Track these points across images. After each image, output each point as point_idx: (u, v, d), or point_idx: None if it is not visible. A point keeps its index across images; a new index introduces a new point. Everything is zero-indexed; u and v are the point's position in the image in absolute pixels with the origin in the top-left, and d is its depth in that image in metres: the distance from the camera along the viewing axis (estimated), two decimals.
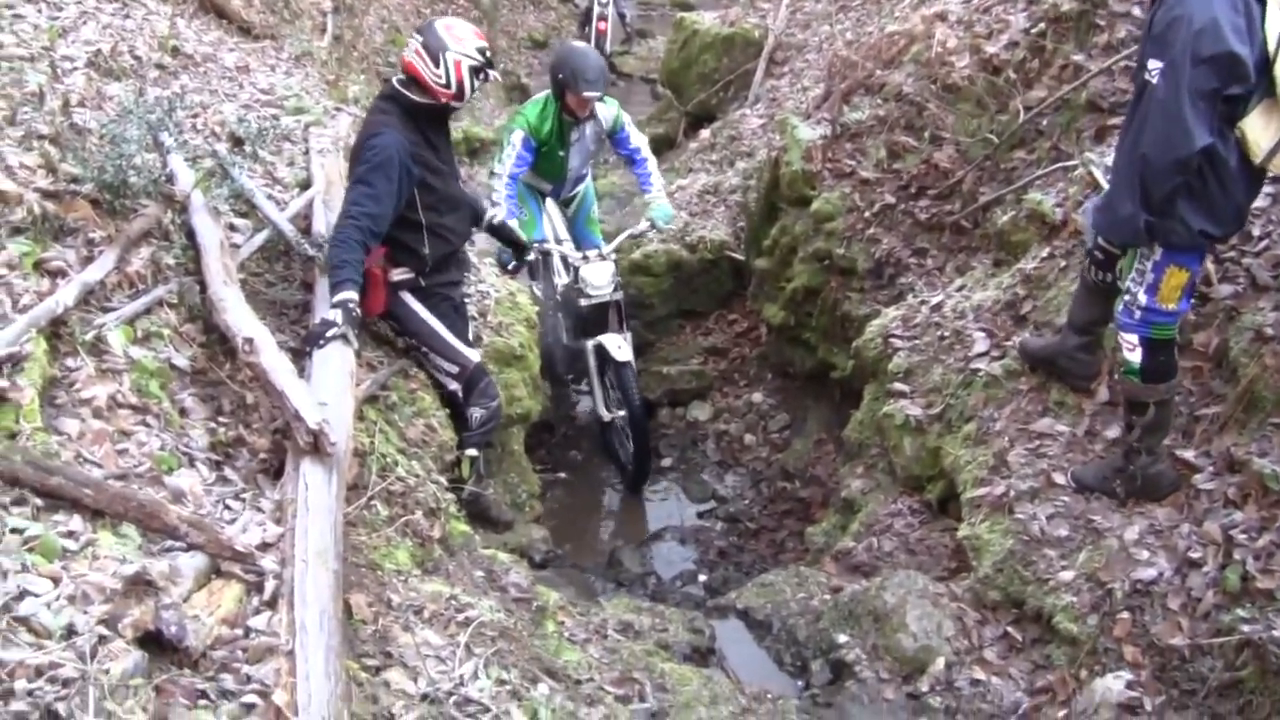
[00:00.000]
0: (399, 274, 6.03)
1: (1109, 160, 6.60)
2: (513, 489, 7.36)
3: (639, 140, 8.71)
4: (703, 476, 9.21)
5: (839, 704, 5.35)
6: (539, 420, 8.25)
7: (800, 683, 5.65)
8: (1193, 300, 5.41)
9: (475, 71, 5.79)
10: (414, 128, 5.79)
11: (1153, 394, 5.36)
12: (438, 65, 5.67)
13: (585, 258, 8.40)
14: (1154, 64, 4.73)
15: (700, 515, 8.77)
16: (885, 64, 9.19)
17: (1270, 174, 4.94)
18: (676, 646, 5.66)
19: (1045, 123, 7.89)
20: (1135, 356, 5.29)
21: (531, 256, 8.08)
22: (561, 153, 8.52)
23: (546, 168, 8.64)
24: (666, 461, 9.35)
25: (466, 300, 6.79)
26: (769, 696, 5.24)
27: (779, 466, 8.99)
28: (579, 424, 9.51)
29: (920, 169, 8.50)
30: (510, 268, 8.12)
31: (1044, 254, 6.83)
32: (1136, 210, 4.87)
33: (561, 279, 8.74)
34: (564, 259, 8.71)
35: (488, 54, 5.90)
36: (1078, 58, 7.82)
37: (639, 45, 21.48)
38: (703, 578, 7.78)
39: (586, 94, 7.94)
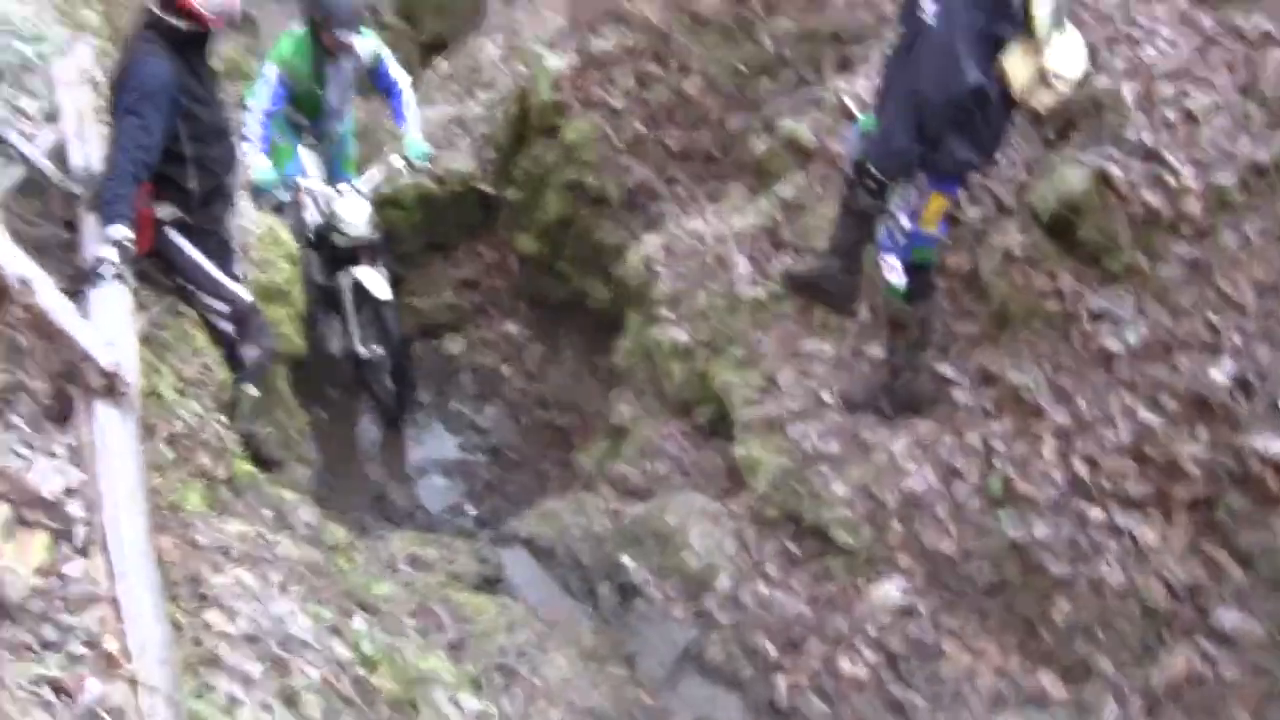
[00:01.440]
0: (165, 210, 5.84)
1: (858, 89, 6.86)
2: (281, 428, 7.25)
3: (398, 73, 8.45)
4: (461, 409, 9.19)
5: (630, 624, 5.52)
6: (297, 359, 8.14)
7: (590, 606, 5.78)
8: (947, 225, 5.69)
9: None
10: (178, 56, 5.62)
11: (916, 313, 5.64)
12: None
13: (339, 193, 8.12)
14: (930, 6, 4.96)
15: (462, 448, 8.78)
16: None
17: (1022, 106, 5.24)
18: (466, 576, 5.75)
19: (790, 53, 8.09)
20: (897, 278, 5.53)
21: (285, 195, 8.06)
22: (318, 89, 8.21)
23: (304, 104, 8.33)
24: (424, 397, 9.30)
25: (232, 236, 6.63)
26: (563, 621, 5.37)
27: (537, 396, 9.06)
28: (334, 361, 9.39)
29: (669, 99, 8.61)
30: (264, 204, 7.94)
31: (800, 180, 7.03)
32: (911, 144, 5.10)
33: (314, 217, 8.47)
34: (315, 196, 8.34)
35: None
36: None
37: None
38: (471, 510, 7.87)
39: (340, 34, 7.70)
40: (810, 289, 6.39)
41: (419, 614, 4.89)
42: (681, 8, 8.74)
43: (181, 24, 5.57)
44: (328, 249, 8.36)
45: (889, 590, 5.22)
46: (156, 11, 5.62)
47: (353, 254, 8.22)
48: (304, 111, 8.41)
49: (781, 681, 5.17)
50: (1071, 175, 5.52)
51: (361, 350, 8.56)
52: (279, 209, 8.24)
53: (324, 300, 8.79)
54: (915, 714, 4.93)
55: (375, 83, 8.55)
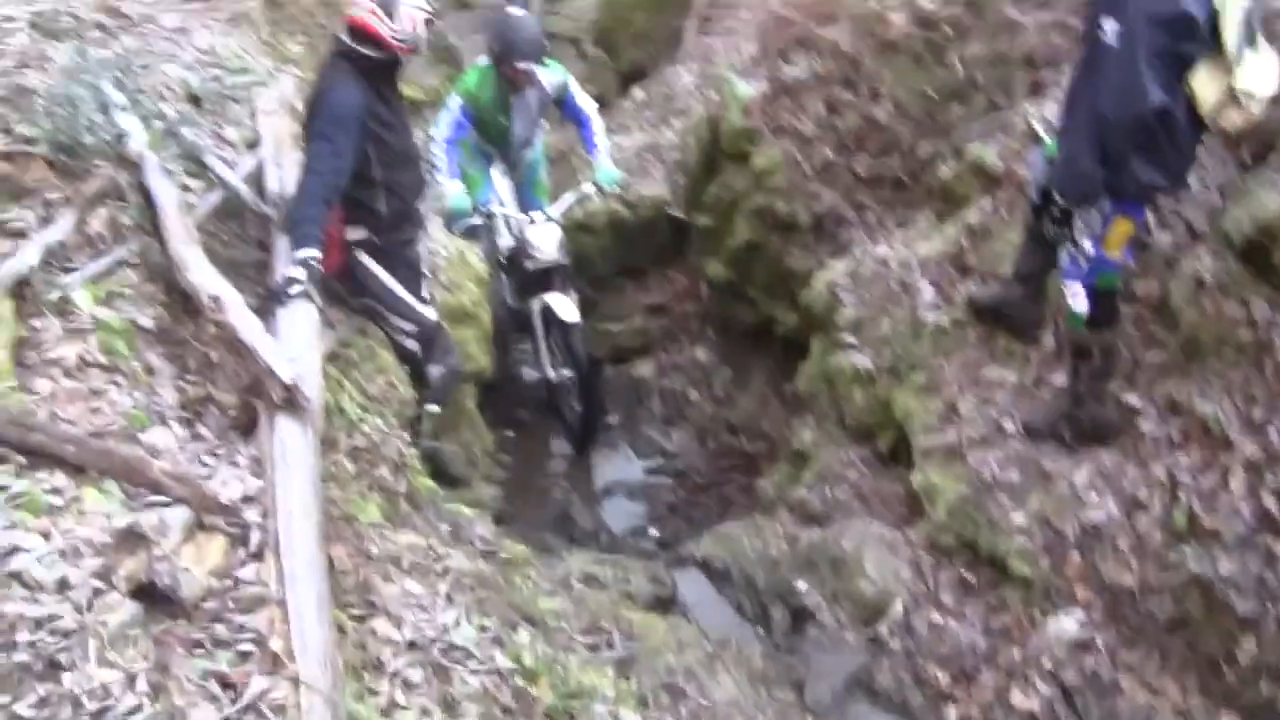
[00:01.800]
0: (355, 233, 6.03)
1: (1046, 113, 6.75)
2: (466, 446, 7.42)
3: (585, 103, 8.57)
4: (649, 433, 9.29)
5: (801, 648, 5.50)
6: (487, 380, 8.29)
7: (761, 629, 5.78)
8: (1135, 251, 5.56)
9: (428, 22, 5.81)
10: (368, 83, 5.80)
11: (1098, 341, 5.53)
12: (394, 19, 5.68)
13: (531, 220, 8.31)
14: (1110, 25, 4.87)
15: (648, 471, 8.88)
16: (822, 20, 9.25)
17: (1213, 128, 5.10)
18: (640, 596, 5.79)
19: (981, 78, 8.01)
20: (1081, 305, 5.43)
21: (476, 219, 8.19)
22: (504, 119, 8.39)
23: (491, 134, 8.52)
24: (612, 419, 9.40)
25: (420, 258, 6.80)
26: (733, 643, 5.38)
27: (724, 421, 9.10)
28: (524, 384, 9.53)
29: (859, 125, 8.59)
30: (457, 229, 8.14)
31: (987, 206, 6.96)
32: (1094, 167, 5.01)
33: (506, 241, 8.66)
34: (508, 220, 8.59)
35: (431, 2, 5.90)
36: (1012, 13, 7.95)
37: (566, 4, 21.39)
38: (654, 532, 7.93)
39: (521, 65, 7.82)
40: (993, 315, 6.31)
41: (589, 630, 4.95)
42: (872, 34, 8.72)
43: (371, 52, 5.75)
44: (518, 273, 8.50)
45: (1066, 623, 5.11)
46: (347, 41, 5.82)
47: (543, 278, 8.33)
48: (492, 141, 8.57)
49: (952, 711, 5.10)
50: (1268, 199, 5.32)
51: (550, 373, 8.66)
52: (471, 234, 8.45)
53: (514, 324, 8.93)
54: None
55: (564, 112, 8.68)
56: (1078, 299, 5.44)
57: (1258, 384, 5.18)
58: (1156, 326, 5.77)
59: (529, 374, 9.14)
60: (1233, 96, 4.83)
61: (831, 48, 8.95)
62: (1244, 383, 5.22)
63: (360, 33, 5.73)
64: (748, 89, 9.29)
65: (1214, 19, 4.78)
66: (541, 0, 18.80)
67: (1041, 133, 6.66)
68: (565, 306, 8.26)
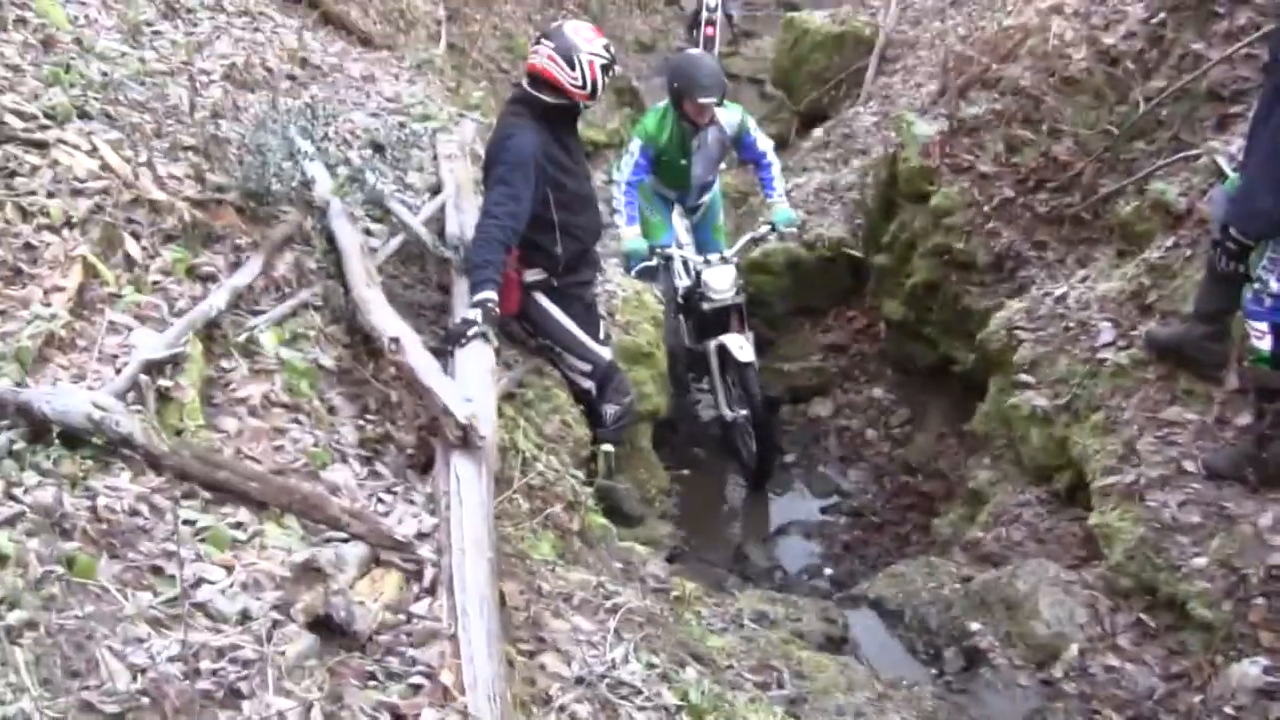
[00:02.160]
0: (533, 275, 6.17)
1: (1232, 149, 6.62)
2: (642, 485, 7.48)
3: (765, 144, 8.67)
4: (825, 472, 9.25)
5: (973, 690, 5.43)
6: (663, 419, 8.36)
7: (933, 670, 5.73)
8: None
9: (605, 69, 5.93)
10: (546, 129, 5.94)
11: None
12: (573, 67, 5.81)
13: (707, 261, 8.47)
14: None
15: (824, 510, 8.80)
16: (1001, 58, 9.21)
17: None
18: (810, 635, 5.77)
19: (1165, 113, 7.89)
20: (1265, 344, 5.34)
21: (654, 261, 8.41)
22: (684, 160, 8.53)
23: (670, 176, 8.70)
24: (789, 458, 9.40)
25: (596, 299, 6.91)
26: (904, 683, 5.34)
27: (901, 461, 9.04)
28: (701, 423, 9.58)
29: (1038, 162, 8.51)
30: (634, 271, 8.31)
31: (1169, 243, 6.83)
32: (1274, 203, 4.91)
33: (683, 282, 8.86)
34: (685, 263, 8.76)
35: (611, 50, 6.04)
36: (1197, 46, 7.82)
37: (746, 46, 21.50)
38: (828, 571, 7.87)
39: (703, 100, 7.93)
40: (1174, 354, 6.19)
41: (758, 669, 4.95)
42: (1052, 70, 8.68)
43: (550, 99, 5.88)
44: (695, 314, 8.69)
45: (1249, 670, 4.97)
46: (527, 87, 5.96)
47: (719, 318, 8.45)
48: (670, 183, 8.81)
49: None
50: None
51: (727, 412, 8.76)
52: (649, 275, 8.70)
53: (691, 364, 9.15)
54: None
55: (742, 153, 8.81)
56: (1261, 338, 5.33)
57: None
58: None
59: (705, 413, 9.26)
60: None
61: (1012, 85, 8.92)
62: None
63: (540, 79, 5.88)
64: (926, 128, 9.27)
65: None
66: (722, 42, 18.93)
67: (1226, 168, 6.53)
68: (741, 346, 8.32)
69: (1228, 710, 4.94)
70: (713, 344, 8.55)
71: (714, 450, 9.37)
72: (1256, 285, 5.28)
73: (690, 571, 6.70)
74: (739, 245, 8.79)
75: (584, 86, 5.87)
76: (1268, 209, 4.98)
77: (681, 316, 9.00)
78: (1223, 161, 6.69)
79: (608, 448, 6.20)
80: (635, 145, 8.36)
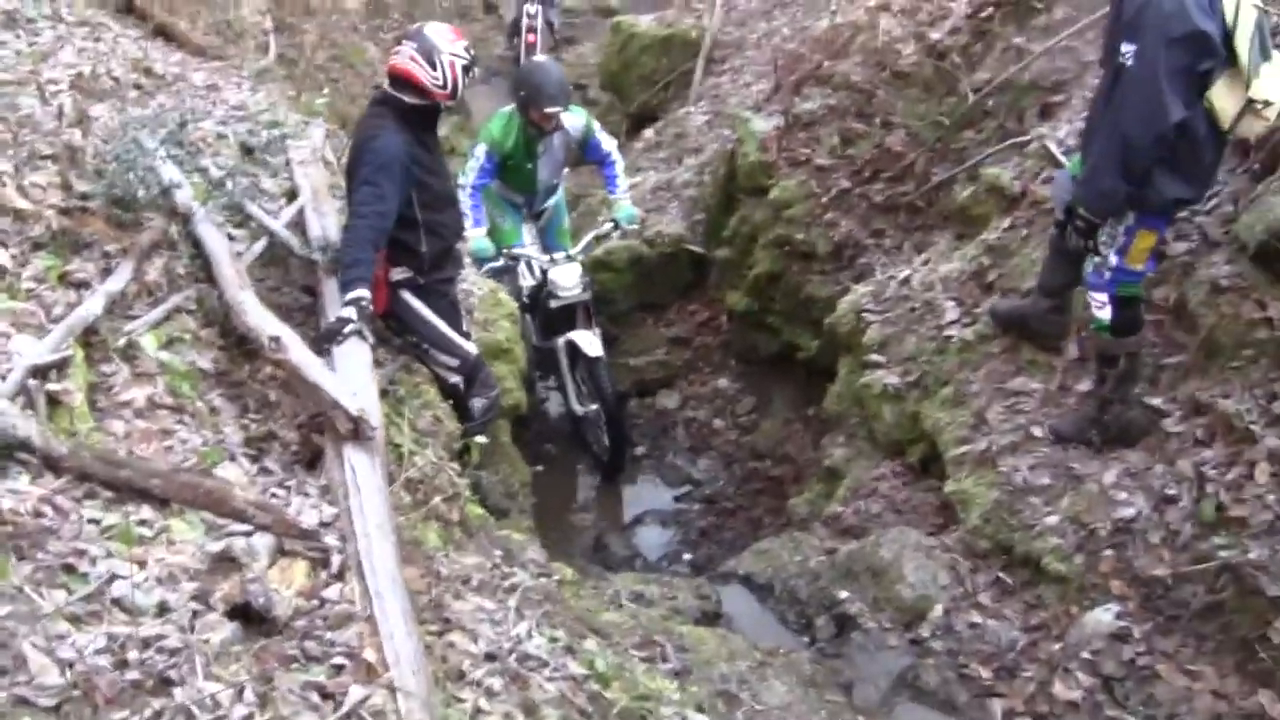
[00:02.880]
0: (399, 273, 6.23)
1: (1060, 134, 6.98)
2: (505, 479, 7.57)
3: (609, 144, 8.84)
4: (675, 461, 9.38)
5: (847, 654, 5.66)
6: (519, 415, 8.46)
7: (806, 638, 5.93)
8: (1155, 260, 5.75)
9: (466, 69, 6.02)
10: (408, 129, 6.00)
11: (1122, 347, 5.76)
12: (434, 67, 5.89)
13: (553, 260, 8.60)
14: (1127, 47, 5.10)
15: (677, 499, 8.97)
16: (833, 55, 9.52)
17: (1231, 138, 5.31)
18: (687, 611, 5.96)
19: (991, 103, 8.26)
20: (1105, 314, 5.67)
21: (501, 261, 8.52)
22: (530, 165, 8.65)
23: (516, 180, 8.81)
24: (639, 450, 9.52)
25: (458, 296, 7.00)
26: (781, 651, 5.55)
27: (749, 447, 9.23)
28: (550, 420, 9.71)
29: (873, 154, 8.83)
30: (483, 271, 8.38)
31: (1005, 225, 7.17)
32: (1118, 183, 5.23)
33: (529, 281, 8.96)
34: (531, 262, 8.86)
35: (471, 51, 6.12)
36: (1018, 40, 8.23)
37: (567, 52, 21.61)
38: (687, 556, 8.06)
39: (549, 110, 8.08)
40: (1018, 327, 6.51)
41: (643, 644, 5.10)
42: (883, 65, 9.02)
43: (412, 99, 5.97)
44: (543, 312, 8.78)
45: (1103, 616, 5.27)
46: (388, 89, 6.04)
47: (567, 315, 8.61)
48: (517, 187, 8.89)
49: (997, 706, 5.24)
50: (1277, 205, 5.55)
51: (577, 407, 8.95)
52: (498, 275, 8.73)
53: (540, 362, 9.21)
54: None
55: (588, 155, 8.92)
56: (1102, 308, 5.66)
57: (1276, 380, 5.37)
58: (1176, 330, 5.97)
59: (553, 410, 9.50)
60: (1251, 106, 5.04)
61: (844, 80, 9.24)
62: (1264, 379, 5.42)
63: (401, 80, 5.95)
64: (763, 124, 9.52)
65: (1228, 34, 5.00)
66: (543, 49, 18.89)
67: (1056, 153, 6.88)
68: (589, 342, 8.51)
69: (1084, 655, 5.23)
70: (561, 341, 8.70)
71: (564, 446, 9.50)
72: (1097, 259, 5.60)
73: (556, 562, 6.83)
74: (584, 243, 8.95)
75: (445, 86, 5.94)
76: (1111, 188, 5.29)
77: (529, 315, 9.09)
78: (1053, 146, 7.05)
79: (481, 439, 6.29)
80: (481, 150, 8.44)
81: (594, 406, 8.77)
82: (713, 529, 8.50)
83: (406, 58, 5.93)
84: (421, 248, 6.21)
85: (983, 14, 8.53)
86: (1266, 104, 5.03)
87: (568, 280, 8.45)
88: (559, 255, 8.69)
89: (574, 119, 8.60)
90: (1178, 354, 5.90)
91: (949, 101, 8.53)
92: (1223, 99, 5.07)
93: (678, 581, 6.34)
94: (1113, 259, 5.52)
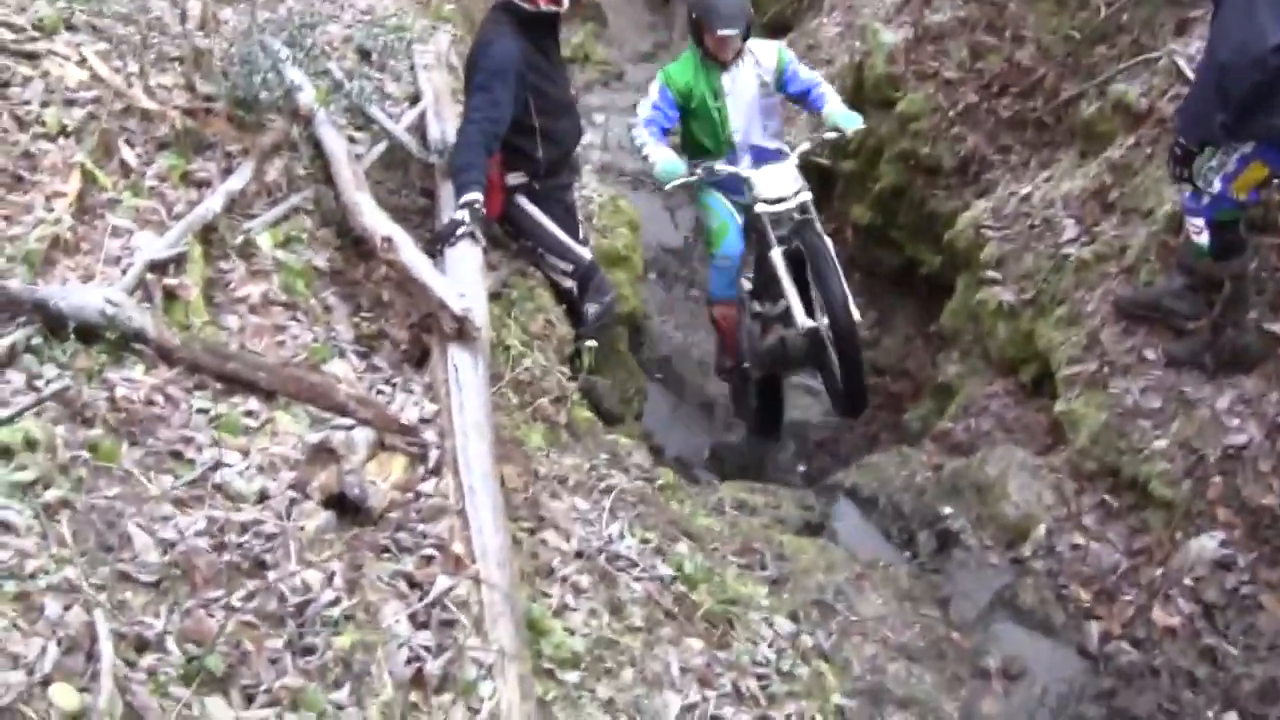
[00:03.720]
0: (515, 178, 6.30)
1: (1191, 51, 6.79)
2: (621, 385, 7.64)
3: (810, 74, 7.68)
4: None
5: (947, 570, 5.68)
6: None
7: (908, 553, 5.96)
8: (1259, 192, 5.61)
9: None
10: (526, 36, 6.05)
11: (1226, 269, 5.65)
12: None
13: (756, 167, 7.13)
14: None
15: (797, 410, 8.97)
16: None
17: None
18: (790, 521, 6.01)
19: (1125, 18, 8.03)
20: (1203, 239, 5.55)
21: (694, 175, 7.05)
22: (716, 105, 7.28)
23: (707, 130, 7.40)
24: None
25: (575, 203, 7.05)
26: (881, 564, 5.58)
27: (870, 363, 9.15)
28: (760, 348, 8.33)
29: (1002, 68, 8.66)
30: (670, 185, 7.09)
31: (1130, 142, 7.01)
32: (1213, 110, 5.06)
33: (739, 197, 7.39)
34: (736, 176, 7.17)
35: None
36: None
37: None
38: (801, 468, 8.09)
39: (723, 32, 6.94)
40: (1149, 310, 6.23)
41: (742, 551, 5.18)
42: None
43: (528, 6, 6.00)
44: (759, 229, 7.20)
45: (1207, 543, 5.22)
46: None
47: (788, 224, 7.03)
48: (710, 138, 7.40)
49: (1094, 628, 5.24)
50: None
51: (805, 321, 6.94)
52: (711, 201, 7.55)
53: (759, 288, 7.67)
54: (1230, 663, 4.93)
55: (789, 92, 7.62)
56: (1199, 234, 5.56)
57: None
58: None
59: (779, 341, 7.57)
60: None
61: None
62: None
63: None
64: (891, 35, 9.40)
65: None
66: None
67: (1186, 70, 6.71)
68: (821, 236, 7.00)
69: (1186, 582, 5.20)
70: (777, 251, 7.00)
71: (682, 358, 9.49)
72: (1200, 182, 5.45)
73: (669, 468, 6.90)
74: (800, 149, 7.40)
75: None
76: (1205, 114, 5.12)
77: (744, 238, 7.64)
78: (1182, 63, 6.87)
79: (591, 343, 6.32)
80: (654, 86, 7.28)
81: (825, 320, 6.97)
82: (829, 442, 8.52)
83: None
84: (538, 153, 6.27)
85: None
86: None
87: (777, 186, 6.94)
88: (766, 167, 7.11)
89: (765, 52, 7.47)
90: None
91: (1082, 15, 8.31)
92: None
93: (783, 492, 6.40)
94: (1217, 184, 5.34)
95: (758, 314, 7.61)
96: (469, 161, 5.67)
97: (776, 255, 6.96)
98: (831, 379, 7.07)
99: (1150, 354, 6.02)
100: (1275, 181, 5.50)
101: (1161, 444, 5.62)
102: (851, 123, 7.31)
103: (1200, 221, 5.53)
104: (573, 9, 6.43)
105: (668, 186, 7.07)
